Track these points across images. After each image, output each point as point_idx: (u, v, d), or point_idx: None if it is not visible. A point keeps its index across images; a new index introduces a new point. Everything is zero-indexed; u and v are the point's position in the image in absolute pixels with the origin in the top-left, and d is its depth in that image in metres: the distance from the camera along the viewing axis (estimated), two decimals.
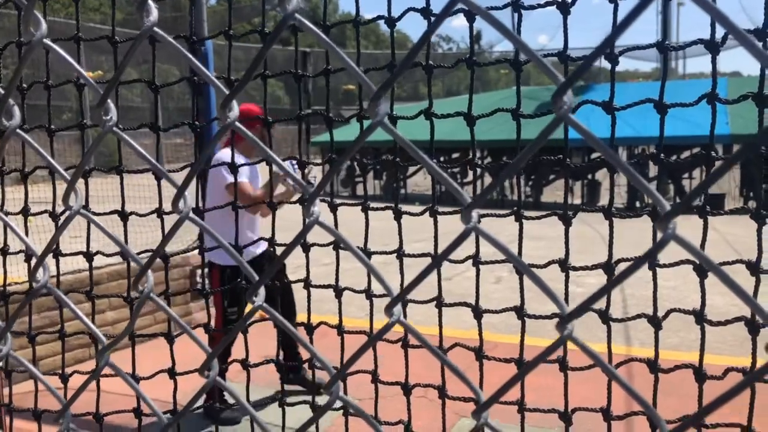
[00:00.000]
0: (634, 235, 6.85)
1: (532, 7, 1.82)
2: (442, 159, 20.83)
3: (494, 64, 2.16)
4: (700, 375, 1.64)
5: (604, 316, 1.69)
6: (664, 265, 1.69)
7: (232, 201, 2.36)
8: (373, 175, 22.41)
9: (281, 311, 5.18)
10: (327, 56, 2.33)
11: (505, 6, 2.12)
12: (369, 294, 1.94)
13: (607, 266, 1.70)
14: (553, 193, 19.60)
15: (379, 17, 2.33)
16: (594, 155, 18.01)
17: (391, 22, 2.20)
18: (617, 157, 0.53)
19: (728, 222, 11.05)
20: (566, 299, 2.02)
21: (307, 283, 2.09)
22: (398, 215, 1.91)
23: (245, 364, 2.32)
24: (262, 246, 4.63)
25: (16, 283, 2.82)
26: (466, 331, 6.12)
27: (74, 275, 5.55)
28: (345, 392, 2.38)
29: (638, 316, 1.83)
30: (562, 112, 0.52)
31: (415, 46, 0.60)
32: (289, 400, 2.35)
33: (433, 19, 2.11)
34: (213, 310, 7.13)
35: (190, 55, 0.69)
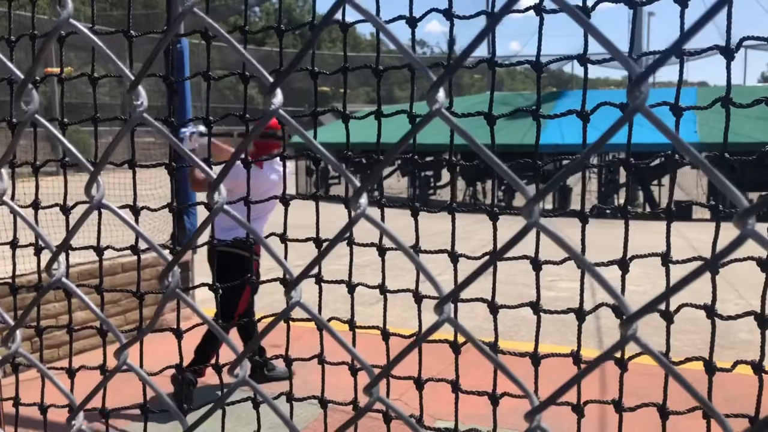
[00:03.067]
0: (606, 241, 6.93)
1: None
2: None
3: (516, 65, 2.15)
4: (710, 368, 1.66)
5: (620, 312, 1.70)
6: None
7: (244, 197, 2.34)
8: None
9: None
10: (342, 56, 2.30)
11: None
12: (383, 290, 1.94)
13: (622, 263, 1.71)
14: (523, 199, 19.75)
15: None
16: (566, 161, 18.25)
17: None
18: (694, 151, 0.52)
19: (695, 229, 11.30)
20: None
21: (318, 279, 2.08)
22: (416, 212, 1.91)
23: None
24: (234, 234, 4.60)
25: (24, 276, 2.73)
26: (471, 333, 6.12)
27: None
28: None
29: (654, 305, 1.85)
30: (639, 101, 0.51)
31: (468, 47, 0.58)
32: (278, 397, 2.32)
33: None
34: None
35: (239, 46, 0.66)
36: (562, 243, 0.57)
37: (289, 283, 0.69)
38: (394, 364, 0.67)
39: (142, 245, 2.22)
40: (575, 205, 18.77)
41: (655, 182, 18.51)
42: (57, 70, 2.96)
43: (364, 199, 0.62)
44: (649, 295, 9.43)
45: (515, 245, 0.58)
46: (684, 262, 1.79)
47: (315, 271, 2.13)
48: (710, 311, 1.66)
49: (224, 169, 0.67)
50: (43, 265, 2.37)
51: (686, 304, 1.81)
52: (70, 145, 0.78)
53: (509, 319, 7.12)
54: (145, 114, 0.69)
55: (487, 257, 2.01)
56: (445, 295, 0.61)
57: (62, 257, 0.84)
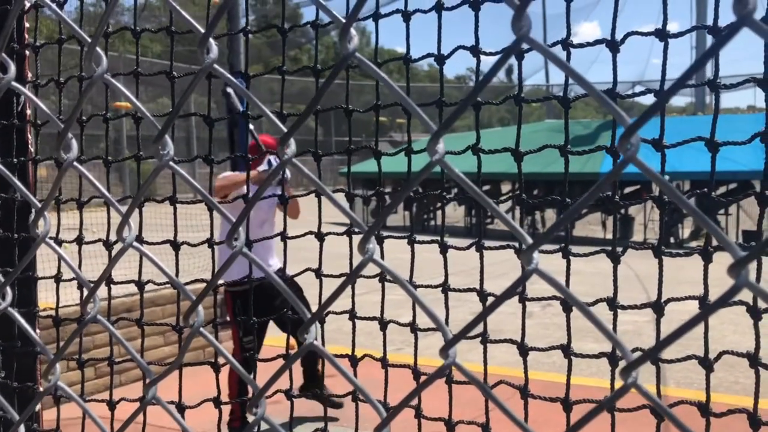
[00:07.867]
0: (671, 273, 6.69)
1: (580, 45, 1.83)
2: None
3: (542, 100, 2.16)
4: (755, 422, 1.60)
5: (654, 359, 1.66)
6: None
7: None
8: (402, 206, 22.36)
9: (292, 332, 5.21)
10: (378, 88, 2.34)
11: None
12: (414, 327, 1.94)
13: (656, 305, 1.67)
14: (585, 227, 19.36)
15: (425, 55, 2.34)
16: (627, 190, 17.85)
17: (441, 59, 2.22)
18: (683, 198, 0.52)
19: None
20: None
21: (352, 315, 2.10)
22: (444, 249, 1.91)
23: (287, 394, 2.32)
24: (274, 268, 4.68)
25: (68, 306, 2.84)
26: (498, 367, 6.01)
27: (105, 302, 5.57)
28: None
29: (688, 358, 1.79)
30: (629, 153, 0.51)
31: (475, 89, 0.60)
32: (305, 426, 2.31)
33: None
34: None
35: (254, 98, 0.69)
36: (560, 288, 0.57)
37: (301, 326, 0.71)
38: (399, 410, 0.68)
39: (182, 279, 2.32)
40: (638, 235, 18.29)
41: (722, 211, 17.90)
42: (126, 105, 3.08)
43: (372, 244, 0.64)
44: (715, 329, 9.04)
45: (515, 291, 0.59)
46: (716, 307, 1.72)
47: (347, 307, 2.15)
48: (753, 360, 1.60)
49: (242, 214, 0.70)
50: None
51: (726, 352, 1.75)
52: (104, 190, 0.84)
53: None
54: (171, 162, 0.73)
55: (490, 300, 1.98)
56: (449, 340, 0.63)
57: (98, 293, 0.88)
